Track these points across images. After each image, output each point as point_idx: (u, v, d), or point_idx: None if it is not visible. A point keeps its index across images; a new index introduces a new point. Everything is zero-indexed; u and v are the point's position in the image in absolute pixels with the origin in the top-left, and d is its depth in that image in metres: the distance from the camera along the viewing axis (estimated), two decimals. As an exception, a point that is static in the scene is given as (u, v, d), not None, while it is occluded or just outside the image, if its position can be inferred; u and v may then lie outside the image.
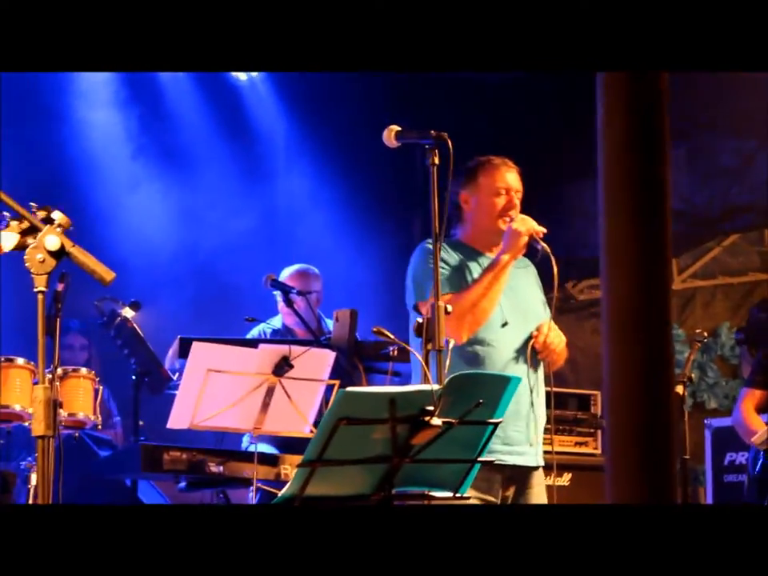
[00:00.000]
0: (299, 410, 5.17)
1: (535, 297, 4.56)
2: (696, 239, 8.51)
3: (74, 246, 3.32)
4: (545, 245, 4.32)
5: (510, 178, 4.46)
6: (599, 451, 6.24)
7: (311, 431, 5.27)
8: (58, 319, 4.66)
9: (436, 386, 3.33)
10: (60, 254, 3.30)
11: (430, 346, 3.80)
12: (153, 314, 6.60)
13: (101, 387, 5.19)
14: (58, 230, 3.31)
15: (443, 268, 4.33)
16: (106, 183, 7.67)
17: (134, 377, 6.24)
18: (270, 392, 5.06)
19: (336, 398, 3.23)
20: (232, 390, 5.05)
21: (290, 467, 5.33)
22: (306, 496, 3.32)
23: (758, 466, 5.73)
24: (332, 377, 5.21)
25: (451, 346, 3.92)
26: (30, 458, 4.95)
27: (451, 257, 4.42)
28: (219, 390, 5.02)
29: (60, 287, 4.89)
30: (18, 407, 4.83)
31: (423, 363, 3.60)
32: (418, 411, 3.29)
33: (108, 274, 3.36)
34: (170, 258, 7.72)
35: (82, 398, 5.02)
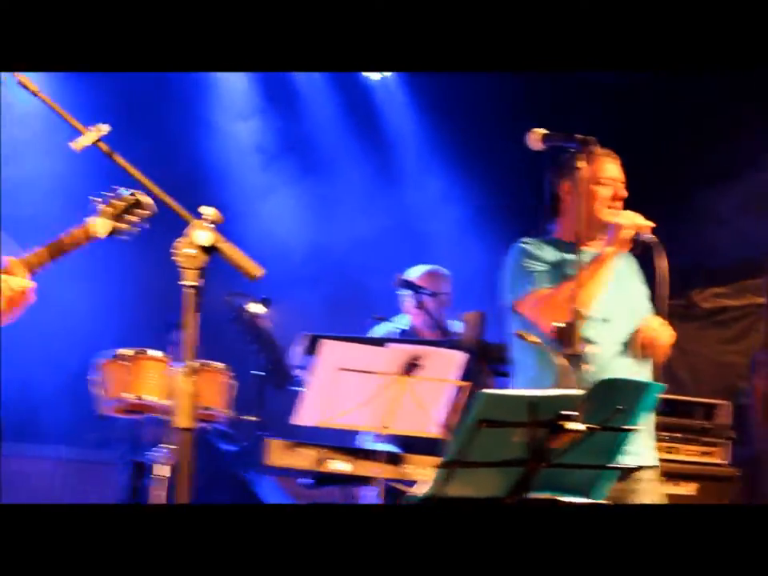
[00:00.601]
0: (428, 410, 5.18)
1: (639, 290, 4.45)
2: None
3: (224, 241, 3.36)
4: (653, 236, 4.18)
5: (613, 168, 4.35)
6: (726, 462, 6.16)
7: (439, 431, 5.28)
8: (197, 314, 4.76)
9: (578, 391, 3.30)
10: (211, 249, 3.33)
11: (568, 351, 3.80)
12: (282, 311, 6.65)
13: (233, 382, 5.25)
14: (211, 225, 3.34)
15: (539, 265, 4.29)
16: (240, 188, 7.77)
17: (260, 372, 6.30)
18: (398, 391, 5.08)
19: (477, 400, 3.22)
20: (360, 389, 5.07)
21: (413, 467, 5.32)
22: (444, 496, 3.32)
23: None
24: (461, 379, 5.21)
25: (590, 351, 3.89)
26: (160, 450, 5.02)
27: (547, 253, 4.35)
28: (348, 388, 5.04)
29: (200, 282, 4.98)
30: (151, 398, 4.91)
31: (564, 366, 3.58)
32: (558, 415, 3.27)
33: (257, 270, 3.39)
34: (302, 257, 7.79)
35: (216, 391, 5.09)
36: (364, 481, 5.39)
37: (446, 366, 5.19)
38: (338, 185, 8.08)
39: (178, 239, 3.34)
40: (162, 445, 5.01)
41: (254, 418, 6.26)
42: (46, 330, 6.46)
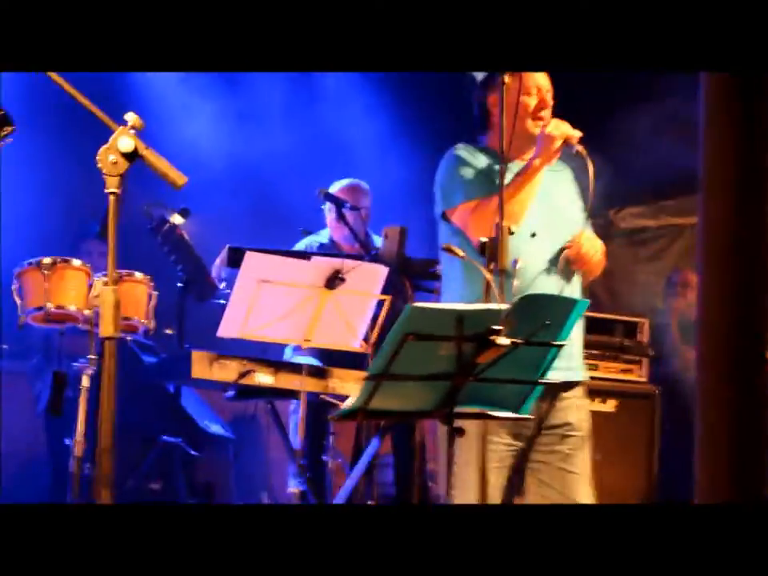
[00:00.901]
0: (350, 324, 5.18)
1: (571, 203, 4.36)
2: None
3: (146, 148, 3.30)
4: (580, 147, 4.11)
5: (539, 77, 4.26)
6: (645, 379, 6.24)
7: (361, 345, 5.29)
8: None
9: (504, 305, 3.30)
10: (133, 156, 3.28)
11: (492, 266, 3.80)
12: (201, 222, 6.58)
13: (155, 292, 5.20)
14: (132, 131, 3.29)
15: (471, 172, 4.22)
16: (159, 101, 7.63)
17: (179, 284, 6.24)
18: (320, 304, 5.07)
19: (404, 313, 3.21)
20: (283, 302, 5.05)
21: (336, 380, 5.33)
22: (370, 409, 3.32)
23: None
24: (383, 293, 5.21)
25: (519, 266, 3.89)
26: (82, 360, 4.97)
27: (478, 161, 4.26)
28: (270, 300, 5.02)
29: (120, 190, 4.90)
30: (73, 308, 4.85)
31: (491, 283, 3.58)
32: (485, 330, 3.27)
33: (180, 178, 3.34)
34: (222, 169, 7.69)
35: (137, 301, 5.03)
36: (286, 394, 5.39)
37: (369, 280, 5.19)
38: (258, 98, 7.98)
39: (102, 146, 3.28)
40: (84, 355, 4.95)
41: (171, 331, 6.22)
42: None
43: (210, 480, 6.64)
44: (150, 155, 3.31)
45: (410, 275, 5.80)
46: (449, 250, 3.71)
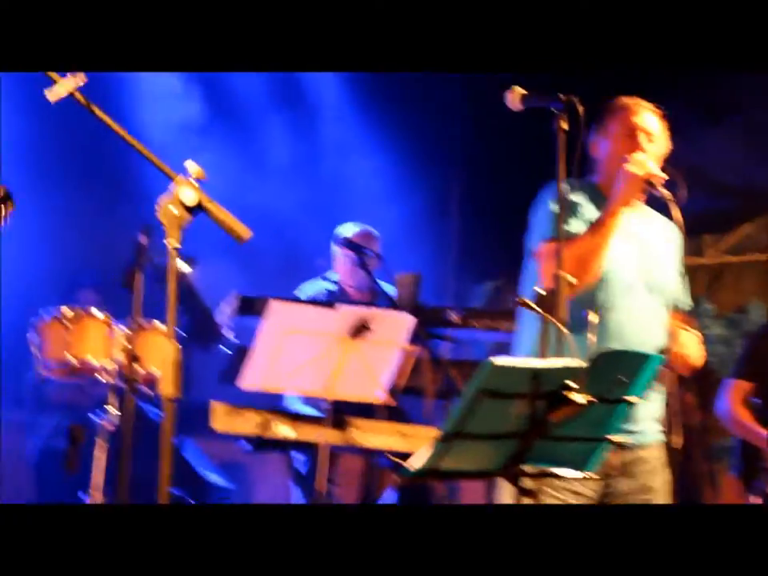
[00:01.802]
0: (374, 375, 5.05)
1: (666, 258, 4.09)
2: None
3: (210, 201, 3.19)
4: (666, 192, 3.86)
5: (643, 117, 4.02)
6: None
7: (385, 397, 5.16)
8: (139, 273, 4.57)
9: (581, 362, 3.20)
10: (196, 209, 3.16)
11: (549, 319, 3.68)
12: (203, 271, 6.46)
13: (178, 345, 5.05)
14: (195, 182, 3.17)
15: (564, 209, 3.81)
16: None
17: (183, 333, 6.10)
18: (344, 354, 4.94)
19: (481, 370, 3.10)
20: (306, 352, 4.92)
21: (357, 431, 5.18)
22: (441, 470, 3.22)
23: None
24: (405, 342, 5.09)
25: (591, 319, 3.72)
26: (103, 414, 4.81)
27: (579, 198, 4.00)
28: (294, 351, 4.89)
29: (143, 240, 4.78)
30: (95, 362, 4.70)
31: (564, 333, 3.47)
32: (559, 387, 3.17)
33: (246, 233, 3.24)
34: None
35: (160, 353, 4.89)
36: (305, 446, 5.24)
37: (395, 329, 5.06)
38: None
39: (162, 195, 3.17)
40: (105, 407, 4.80)
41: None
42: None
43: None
44: (215, 208, 3.19)
45: (426, 324, 5.69)
46: (524, 305, 3.56)
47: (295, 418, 5.14)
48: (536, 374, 3.15)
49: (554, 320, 3.47)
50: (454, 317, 6.10)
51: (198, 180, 3.18)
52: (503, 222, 5.87)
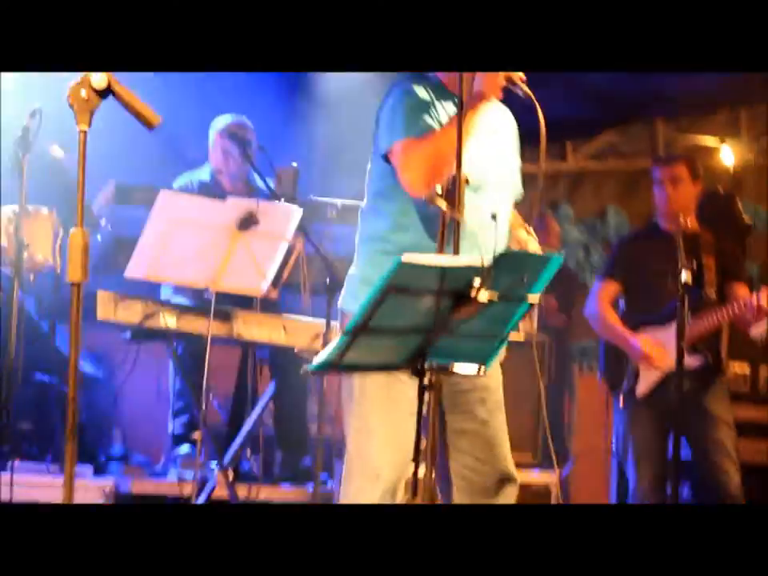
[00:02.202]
0: (260, 267, 5.05)
1: (513, 157, 4.02)
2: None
3: (119, 84, 3.12)
4: (527, 90, 3.68)
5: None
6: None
7: (269, 290, 5.17)
8: (26, 156, 4.46)
9: (486, 261, 3.23)
10: (105, 93, 3.09)
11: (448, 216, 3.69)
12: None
13: (61, 229, 4.98)
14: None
15: (414, 106, 3.75)
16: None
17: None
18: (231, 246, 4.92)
19: (392, 267, 3.12)
20: (193, 243, 4.89)
21: (242, 324, 5.19)
22: (343, 363, 3.24)
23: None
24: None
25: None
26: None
27: (423, 92, 3.80)
28: (180, 242, 4.85)
29: (29, 123, 4.66)
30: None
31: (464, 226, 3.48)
32: (465, 285, 3.21)
33: (155, 118, 3.17)
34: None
35: (44, 239, 4.82)
36: (184, 336, 5.22)
37: (282, 223, 5.07)
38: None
39: (73, 82, 3.08)
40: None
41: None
42: None
43: (83, 421, 6.43)
44: (124, 92, 3.12)
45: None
46: (433, 201, 3.50)
47: (179, 309, 5.12)
48: (443, 271, 3.18)
49: (458, 215, 3.47)
50: (330, 212, 6.13)
51: (110, 69, 3.11)
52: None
